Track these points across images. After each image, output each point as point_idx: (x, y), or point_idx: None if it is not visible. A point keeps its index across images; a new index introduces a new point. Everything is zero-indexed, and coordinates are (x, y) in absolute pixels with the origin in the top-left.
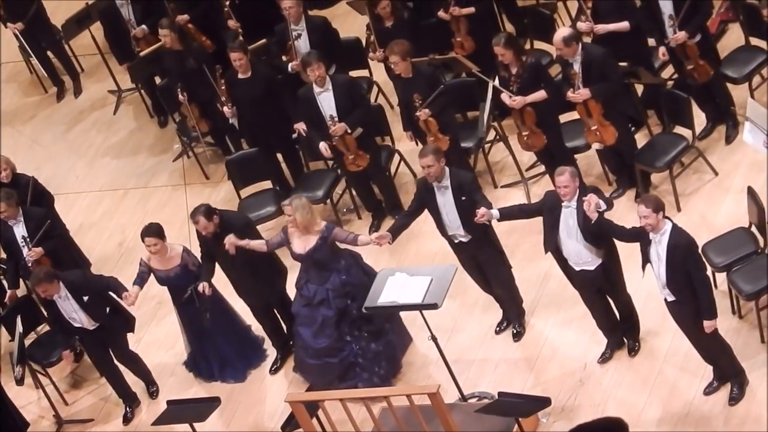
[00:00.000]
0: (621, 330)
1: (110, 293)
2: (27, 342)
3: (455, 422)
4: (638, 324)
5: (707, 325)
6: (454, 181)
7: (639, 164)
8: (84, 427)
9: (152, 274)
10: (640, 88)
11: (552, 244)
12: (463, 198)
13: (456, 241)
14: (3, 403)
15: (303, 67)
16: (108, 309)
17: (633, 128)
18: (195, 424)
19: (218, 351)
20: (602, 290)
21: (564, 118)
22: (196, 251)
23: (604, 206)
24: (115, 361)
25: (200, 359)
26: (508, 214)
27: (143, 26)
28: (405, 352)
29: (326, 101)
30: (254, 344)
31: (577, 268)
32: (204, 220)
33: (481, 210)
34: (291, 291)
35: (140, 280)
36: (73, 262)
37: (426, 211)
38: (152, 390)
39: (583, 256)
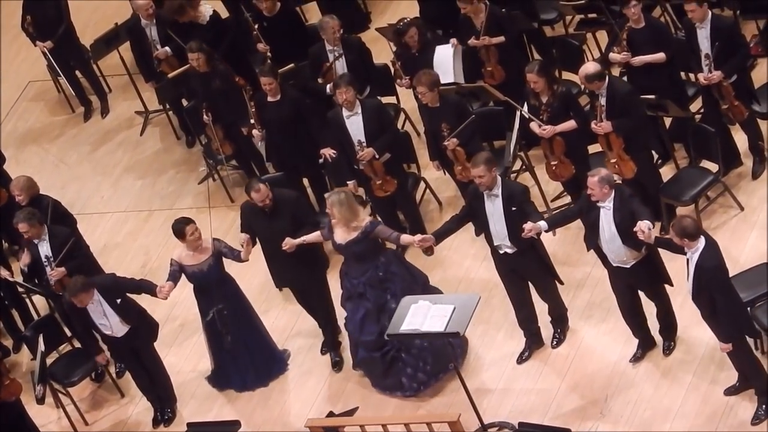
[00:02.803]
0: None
1: (134, 300)
2: (49, 361)
3: None
4: (675, 324)
5: (722, 347)
6: (506, 191)
7: (665, 197)
8: None
9: (183, 274)
10: (668, 121)
11: (593, 242)
12: (513, 209)
13: (501, 252)
14: (23, 421)
15: (333, 90)
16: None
17: (659, 161)
18: None
19: (242, 358)
20: (635, 288)
21: (592, 149)
22: None
23: (652, 227)
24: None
25: (225, 370)
26: (554, 222)
27: (166, 48)
28: (464, 353)
29: (354, 125)
30: (276, 355)
31: (614, 264)
32: (264, 188)
33: (528, 225)
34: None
35: (173, 279)
36: None
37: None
38: (167, 414)
39: (621, 256)
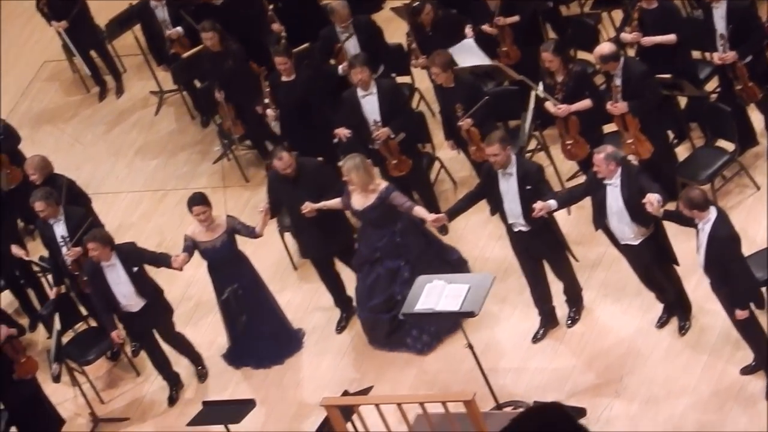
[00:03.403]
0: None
1: (152, 278)
2: (64, 340)
3: (490, 430)
4: (688, 303)
5: (738, 314)
6: (520, 170)
7: (681, 177)
8: (119, 426)
9: (197, 250)
10: (683, 101)
11: (601, 222)
12: (528, 187)
13: (515, 230)
14: (39, 400)
15: (348, 69)
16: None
17: (675, 141)
18: (230, 426)
19: (257, 337)
20: (647, 265)
21: (607, 128)
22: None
23: (661, 200)
24: (160, 345)
25: (241, 348)
26: (563, 201)
27: (178, 28)
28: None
29: (369, 105)
30: (291, 334)
31: (622, 242)
32: (288, 157)
33: (538, 204)
34: None
35: (187, 251)
36: None
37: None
38: (202, 371)
39: (628, 233)
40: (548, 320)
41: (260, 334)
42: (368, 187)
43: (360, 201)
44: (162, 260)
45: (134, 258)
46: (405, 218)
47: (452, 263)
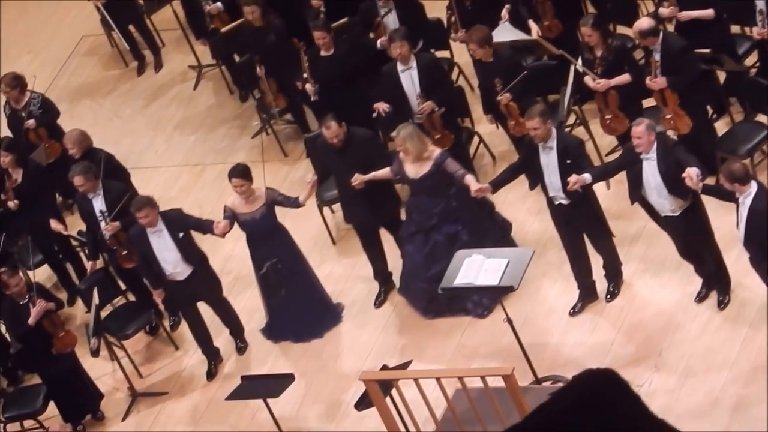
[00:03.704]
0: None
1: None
2: (103, 314)
3: (529, 405)
4: (728, 277)
5: None
6: (561, 144)
7: (720, 152)
8: (158, 401)
9: (237, 222)
10: (722, 76)
11: (637, 195)
12: (568, 161)
13: (556, 203)
14: (78, 374)
15: (388, 44)
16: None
17: (714, 116)
18: (269, 400)
19: (296, 311)
20: (686, 237)
21: (646, 103)
22: None
23: (700, 174)
24: (203, 318)
25: (279, 322)
26: (599, 175)
27: (218, 3)
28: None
29: (409, 79)
30: (330, 307)
31: (662, 215)
32: (335, 126)
33: (573, 177)
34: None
35: (228, 221)
36: None
37: None
38: (241, 346)
39: (668, 206)
40: (587, 294)
41: (299, 308)
42: (423, 155)
43: (414, 170)
44: (206, 226)
45: (179, 223)
46: (457, 182)
47: (501, 225)
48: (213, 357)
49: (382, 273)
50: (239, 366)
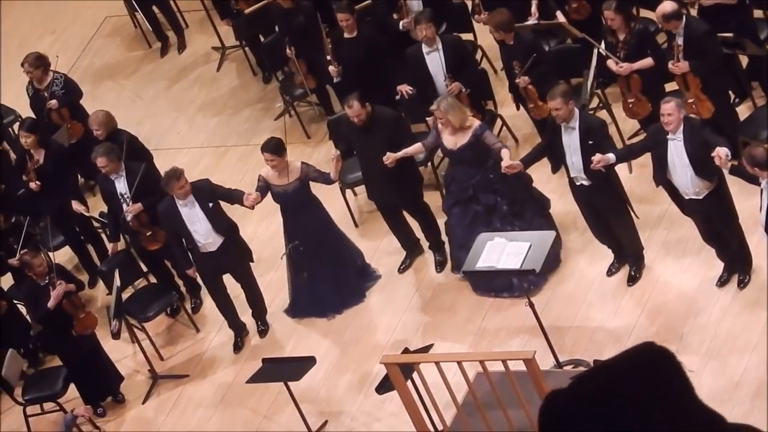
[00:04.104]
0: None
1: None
2: (124, 296)
3: (550, 389)
4: (749, 257)
5: None
6: (583, 124)
7: (742, 136)
8: (179, 383)
9: (269, 191)
10: (744, 60)
11: (662, 177)
12: (591, 142)
13: (577, 184)
14: (99, 356)
15: (414, 25)
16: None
17: (736, 100)
18: (290, 383)
19: (321, 283)
20: (710, 218)
21: (668, 87)
22: None
23: (729, 153)
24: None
25: (303, 301)
26: (623, 156)
27: None
28: (560, 247)
29: (434, 61)
30: (360, 281)
31: (686, 198)
32: (358, 105)
33: (596, 156)
34: None
35: (260, 191)
36: None
37: None
38: (262, 328)
39: (692, 187)
40: (621, 255)
41: (325, 282)
42: (465, 124)
43: (452, 140)
44: (235, 197)
45: (208, 193)
46: (494, 155)
47: (539, 199)
48: (239, 330)
49: (408, 243)
50: (263, 346)
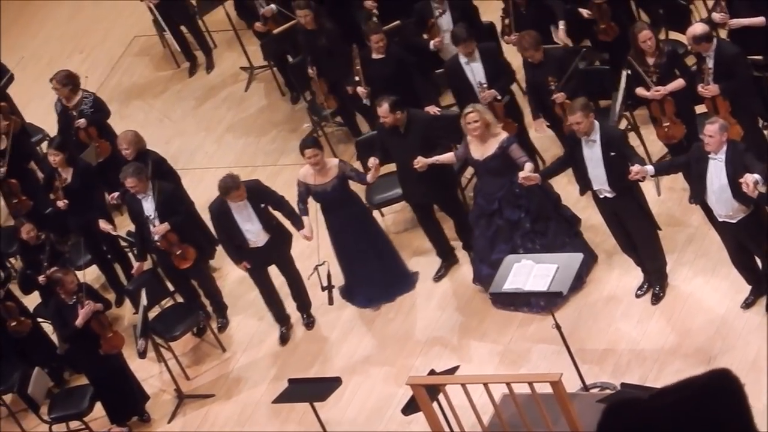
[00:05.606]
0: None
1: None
2: (151, 315)
3: (576, 412)
4: None
5: None
6: (604, 136)
7: None
8: (204, 403)
9: (309, 192)
10: None
11: (699, 195)
12: (613, 153)
13: (601, 197)
14: (125, 375)
15: (455, 43)
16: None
17: (765, 124)
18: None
19: (367, 277)
20: (743, 243)
21: (697, 110)
22: None
23: (762, 181)
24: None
25: (355, 284)
26: (661, 169)
27: (272, 6)
28: (590, 270)
29: (474, 70)
30: (406, 274)
31: (720, 219)
32: (387, 107)
33: (635, 167)
34: None
35: (302, 204)
36: (199, 237)
37: None
38: (308, 321)
39: (728, 210)
40: (645, 271)
41: (370, 276)
42: (494, 131)
43: (479, 151)
44: (285, 207)
45: (260, 195)
46: (519, 169)
47: (568, 219)
48: (285, 321)
49: (443, 251)
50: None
